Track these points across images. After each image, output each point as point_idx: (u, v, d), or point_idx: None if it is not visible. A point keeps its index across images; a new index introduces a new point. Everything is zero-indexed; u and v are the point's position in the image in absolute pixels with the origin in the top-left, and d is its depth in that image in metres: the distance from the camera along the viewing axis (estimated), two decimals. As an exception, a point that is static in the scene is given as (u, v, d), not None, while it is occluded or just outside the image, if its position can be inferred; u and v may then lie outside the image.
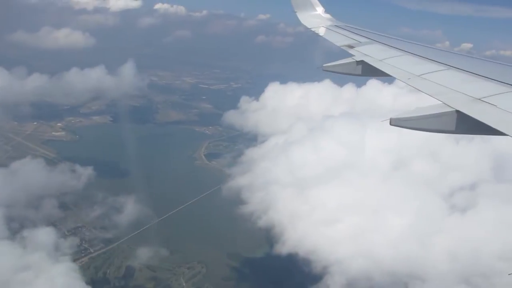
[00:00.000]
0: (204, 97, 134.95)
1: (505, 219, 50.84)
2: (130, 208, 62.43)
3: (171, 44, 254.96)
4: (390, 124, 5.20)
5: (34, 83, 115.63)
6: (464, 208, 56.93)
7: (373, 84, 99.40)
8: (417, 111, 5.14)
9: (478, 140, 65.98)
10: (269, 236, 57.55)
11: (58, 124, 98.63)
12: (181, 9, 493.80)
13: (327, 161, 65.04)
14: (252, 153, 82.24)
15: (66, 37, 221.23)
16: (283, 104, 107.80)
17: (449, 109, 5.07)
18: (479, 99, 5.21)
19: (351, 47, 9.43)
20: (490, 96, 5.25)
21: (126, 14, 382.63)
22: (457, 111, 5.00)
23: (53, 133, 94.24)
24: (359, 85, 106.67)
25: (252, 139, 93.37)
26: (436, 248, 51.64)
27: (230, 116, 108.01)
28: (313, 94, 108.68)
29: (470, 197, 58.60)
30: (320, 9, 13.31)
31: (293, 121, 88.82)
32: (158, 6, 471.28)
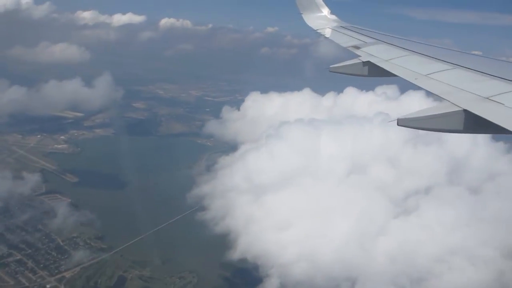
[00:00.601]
0: (208, 109, 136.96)
1: (446, 221, 53.89)
2: (123, 219, 63.38)
3: (177, 58, 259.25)
4: (398, 124, 5.20)
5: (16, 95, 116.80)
6: (410, 212, 58.47)
7: (351, 92, 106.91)
8: (424, 111, 5.14)
9: (435, 144, 70.50)
10: (224, 242, 58.50)
11: (61, 137, 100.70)
12: (187, 23, 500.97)
13: (284, 167, 66.55)
14: (225, 161, 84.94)
15: (62, 51, 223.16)
16: (263, 113, 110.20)
17: (457, 109, 5.06)
18: (487, 98, 5.20)
19: (357, 47, 9.44)
20: (498, 94, 5.23)
21: (130, 28, 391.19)
22: (465, 110, 4.99)
23: (55, 145, 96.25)
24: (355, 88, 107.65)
25: (232, 148, 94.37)
26: (378, 251, 52.88)
27: (225, 127, 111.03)
28: (292, 103, 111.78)
29: (420, 201, 60.14)
30: (325, 11, 13.33)
31: (263, 129, 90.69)
32: (164, 20, 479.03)
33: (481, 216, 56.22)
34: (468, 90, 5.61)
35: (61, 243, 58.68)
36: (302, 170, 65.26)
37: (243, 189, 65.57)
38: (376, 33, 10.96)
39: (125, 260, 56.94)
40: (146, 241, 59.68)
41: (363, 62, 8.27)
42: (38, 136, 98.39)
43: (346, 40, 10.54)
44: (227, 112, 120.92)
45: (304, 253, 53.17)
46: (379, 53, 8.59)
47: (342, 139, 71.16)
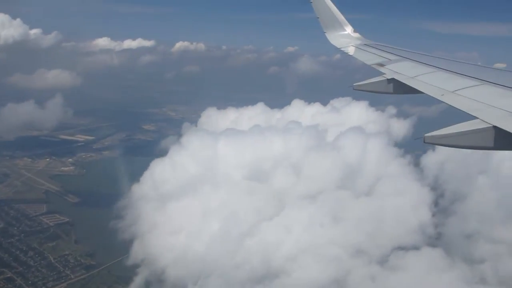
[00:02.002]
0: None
1: (305, 222, 58.65)
2: (116, 236, 64.73)
3: (189, 79, 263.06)
4: (424, 141, 5.17)
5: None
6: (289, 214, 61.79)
7: (297, 104, 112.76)
8: (452, 128, 5.10)
9: (337, 151, 75.41)
10: (128, 248, 60.98)
11: (69, 159, 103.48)
12: (200, 46, 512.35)
13: (189, 176, 69.65)
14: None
15: (56, 77, 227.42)
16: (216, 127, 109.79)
17: (486, 125, 4.99)
18: (517, 114, 5.12)
19: (381, 65, 9.44)
20: (528, 110, 5.16)
21: (139, 53, 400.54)
22: (494, 127, 4.92)
23: (62, 168, 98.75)
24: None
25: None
26: (243, 251, 56.07)
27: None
28: (243, 117, 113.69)
29: (297, 205, 63.59)
30: (349, 29, 13.39)
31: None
32: (178, 44, 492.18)
33: (341, 216, 60.67)
34: (497, 106, 5.53)
35: (53, 261, 60.72)
36: (204, 178, 68.92)
37: (151, 197, 68.32)
38: (400, 50, 10.95)
39: (111, 276, 59.30)
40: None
41: (387, 79, 8.26)
42: (47, 160, 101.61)
43: (370, 57, 10.56)
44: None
45: (180, 254, 56.39)
46: (404, 70, 8.57)
47: (248, 148, 75.17)
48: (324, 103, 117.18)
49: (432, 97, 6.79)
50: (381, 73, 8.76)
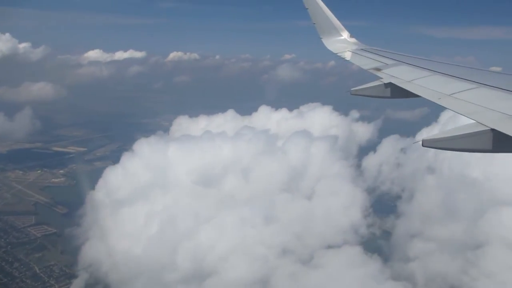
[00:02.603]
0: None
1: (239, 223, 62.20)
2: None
3: (184, 89, 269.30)
4: (423, 145, 5.14)
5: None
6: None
7: (264, 110, 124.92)
8: (450, 132, 5.08)
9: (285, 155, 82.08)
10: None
11: (60, 171, 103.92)
12: (194, 56, 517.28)
13: (141, 182, 72.31)
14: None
15: (40, 90, 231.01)
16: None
17: (484, 128, 4.98)
18: (514, 116, 5.11)
19: (378, 69, 9.45)
20: (526, 112, 5.14)
21: (128, 64, 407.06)
22: (492, 130, 4.91)
23: (53, 179, 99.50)
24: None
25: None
26: (180, 252, 58.97)
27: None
28: (214, 124, 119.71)
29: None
30: (345, 34, 13.42)
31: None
32: (172, 54, 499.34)
33: (275, 218, 64.62)
34: (494, 108, 5.51)
35: (38, 271, 61.57)
36: (154, 183, 71.66)
37: (106, 204, 70.45)
38: (397, 54, 10.97)
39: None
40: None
41: (385, 84, 8.26)
42: (38, 172, 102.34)
43: (367, 62, 10.57)
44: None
45: (121, 257, 58.41)
46: (400, 74, 8.57)
47: (199, 154, 79.33)
48: (295, 108, 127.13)
49: (430, 100, 6.77)
50: (378, 78, 8.76)
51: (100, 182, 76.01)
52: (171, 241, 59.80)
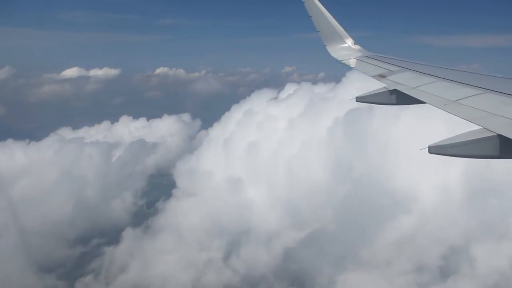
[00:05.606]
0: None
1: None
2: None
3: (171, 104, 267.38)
4: (429, 152, 5.11)
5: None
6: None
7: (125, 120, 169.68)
8: (456, 138, 5.05)
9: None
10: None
11: None
12: (180, 72, 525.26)
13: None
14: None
15: None
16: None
17: (490, 134, 4.95)
18: (521, 121, 5.08)
19: (383, 76, 9.43)
20: (533, 118, 5.11)
21: (85, 82, 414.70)
22: (499, 135, 4.88)
23: None
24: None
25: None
26: None
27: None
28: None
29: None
30: (349, 41, 13.42)
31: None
32: (159, 70, 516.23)
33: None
34: (501, 114, 5.48)
35: None
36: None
37: None
38: (401, 60, 10.94)
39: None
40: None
41: (390, 90, 8.24)
42: None
43: (371, 69, 10.56)
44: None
45: None
46: (405, 81, 8.55)
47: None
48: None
49: (435, 107, 6.75)
50: (383, 85, 8.75)
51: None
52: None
